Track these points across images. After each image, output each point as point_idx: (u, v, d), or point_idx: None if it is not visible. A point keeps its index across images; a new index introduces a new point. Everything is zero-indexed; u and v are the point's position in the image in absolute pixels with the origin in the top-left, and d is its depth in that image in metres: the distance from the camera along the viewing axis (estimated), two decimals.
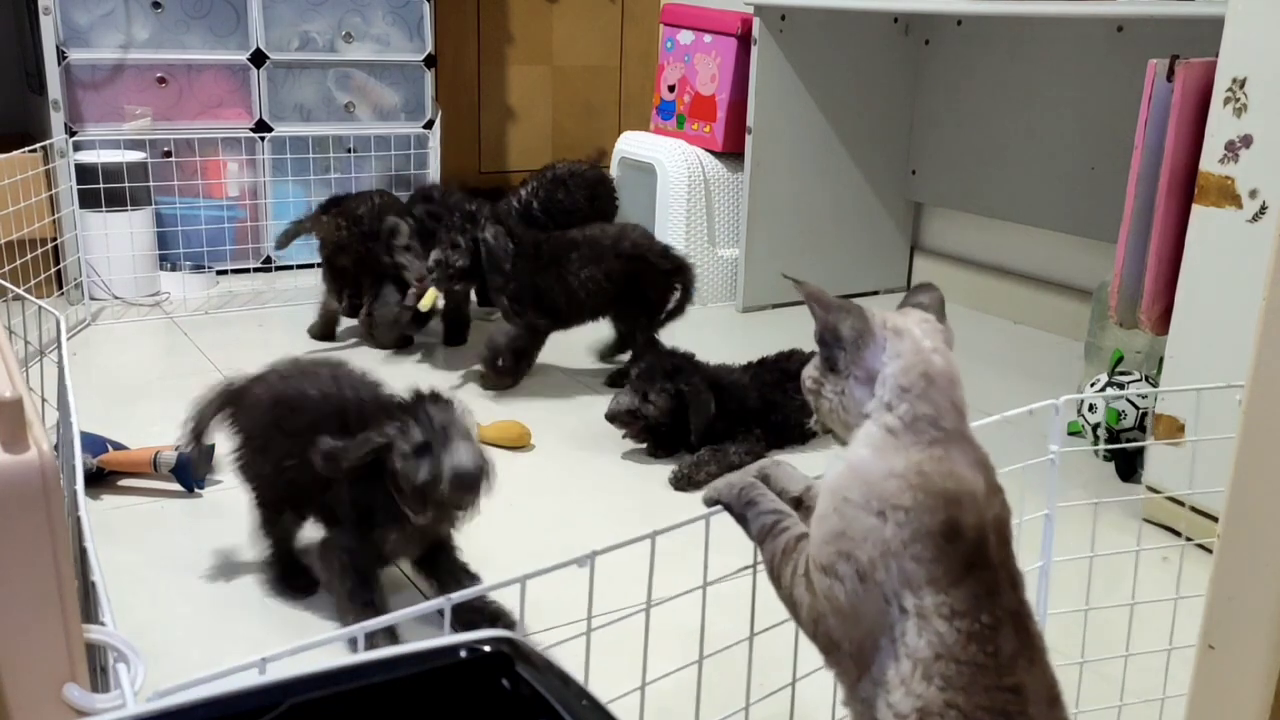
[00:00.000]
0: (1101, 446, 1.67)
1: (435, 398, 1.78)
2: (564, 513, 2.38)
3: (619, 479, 2.55)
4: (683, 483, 2.52)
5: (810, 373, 1.17)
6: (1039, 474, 1.45)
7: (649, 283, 3.07)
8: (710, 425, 2.61)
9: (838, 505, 1.08)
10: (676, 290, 3.12)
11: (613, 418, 2.64)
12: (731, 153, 3.88)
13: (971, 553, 1.05)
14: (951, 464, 1.07)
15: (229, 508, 2.31)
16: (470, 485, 1.71)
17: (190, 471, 2.36)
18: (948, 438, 1.08)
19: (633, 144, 4.06)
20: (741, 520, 1.21)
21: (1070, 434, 2.61)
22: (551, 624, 1.54)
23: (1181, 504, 2.12)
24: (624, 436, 2.69)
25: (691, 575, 1.22)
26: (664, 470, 2.58)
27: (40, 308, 1.74)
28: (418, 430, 1.72)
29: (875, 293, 4.03)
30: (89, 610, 0.96)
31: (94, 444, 2.37)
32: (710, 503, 1.23)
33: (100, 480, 2.37)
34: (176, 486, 2.37)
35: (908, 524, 1.04)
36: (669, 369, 2.64)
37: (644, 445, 2.69)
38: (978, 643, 1.03)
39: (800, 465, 1.29)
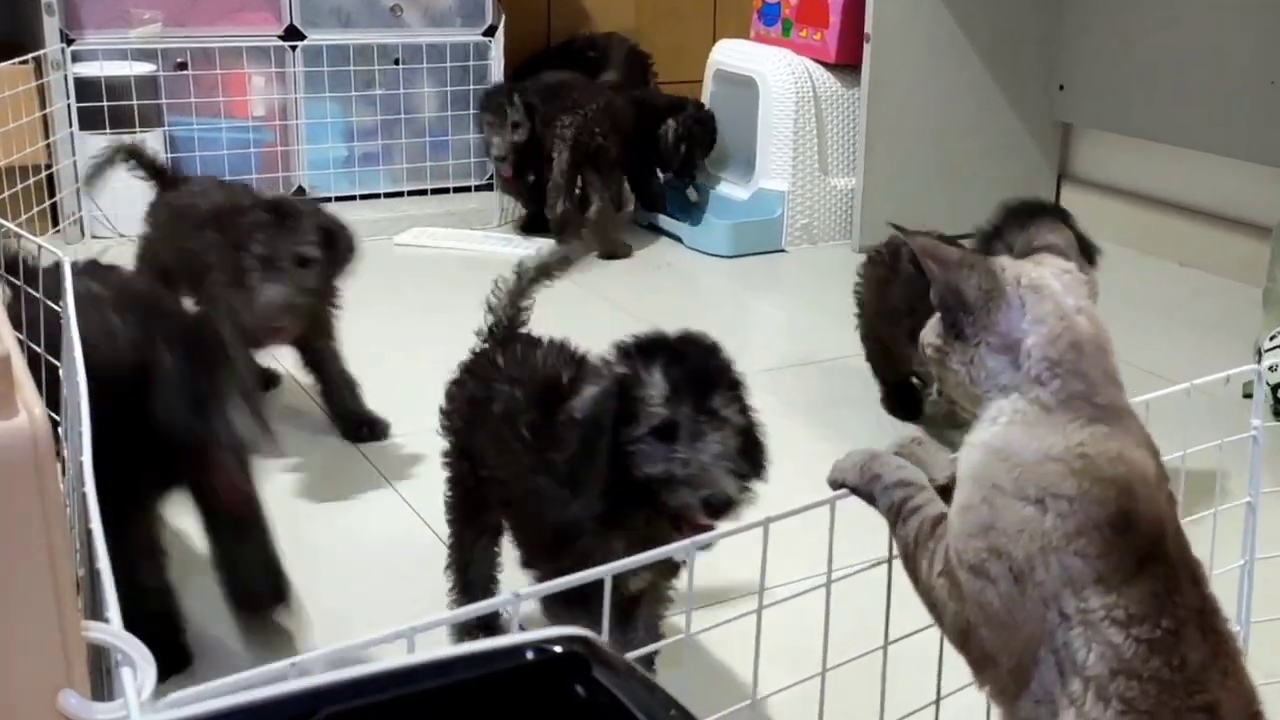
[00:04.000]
0: None
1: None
2: None
3: None
4: None
5: (931, 339, 1.17)
6: (1235, 454, 1.43)
7: None
8: None
9: (986, 494, 1.08)
10: None
11: None
12: (846, 64, 3.84)
13: (1146, 546, 1.04)
14: (1119, 444, 1.07)
15: None
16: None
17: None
18: (1108, 415, 1.08)
19: (730, 54, 4.04)
20: (870, 500, 1.20)
21: (1244, 396, 2.58)
22: None
23: None
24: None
25: (810, 569, 1.20)
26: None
27: (40, 247, 1.73)
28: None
29: None
30: (95, 604, 0.96)
31: None
32: (836, 485, 1.22)
33: None
34: None
35: (1071, 515, 1.04)
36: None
37: None
38: (1160, 654, 1.02)
39: None
